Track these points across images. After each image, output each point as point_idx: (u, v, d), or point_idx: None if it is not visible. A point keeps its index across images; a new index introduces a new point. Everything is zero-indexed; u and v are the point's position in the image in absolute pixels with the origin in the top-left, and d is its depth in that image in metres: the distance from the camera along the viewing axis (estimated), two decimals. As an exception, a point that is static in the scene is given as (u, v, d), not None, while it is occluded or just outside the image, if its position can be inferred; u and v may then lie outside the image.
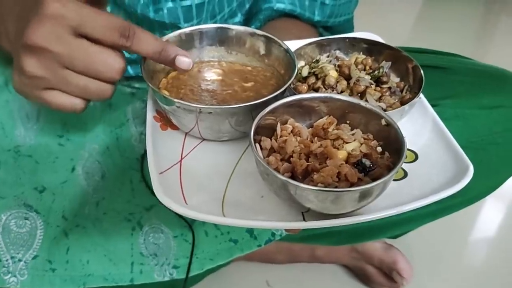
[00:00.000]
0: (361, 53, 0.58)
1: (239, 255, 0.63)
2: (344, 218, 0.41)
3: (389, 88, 0.54)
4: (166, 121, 0.52)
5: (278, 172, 0.41)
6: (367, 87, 0.53)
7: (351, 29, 0.84)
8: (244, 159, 0.50)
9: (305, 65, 0.57)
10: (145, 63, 0.49)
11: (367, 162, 0.43)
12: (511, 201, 1.13)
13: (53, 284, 0.56)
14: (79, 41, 0.42)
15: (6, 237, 0.56)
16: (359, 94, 0.53)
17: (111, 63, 0.43)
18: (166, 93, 0.50)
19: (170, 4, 0.65)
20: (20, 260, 0.56)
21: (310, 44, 0.58)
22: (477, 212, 1.09)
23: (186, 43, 0.54)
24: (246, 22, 0.76)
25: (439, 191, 0.43)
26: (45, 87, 0.44)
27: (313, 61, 0.57)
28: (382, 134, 0.46)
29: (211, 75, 0.54)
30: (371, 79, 0.53)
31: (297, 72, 0.52)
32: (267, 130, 0.46)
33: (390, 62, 0.56)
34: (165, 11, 0.65)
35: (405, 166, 0.49)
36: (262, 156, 0.45)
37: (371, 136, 0.46)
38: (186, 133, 0.52)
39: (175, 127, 0.52)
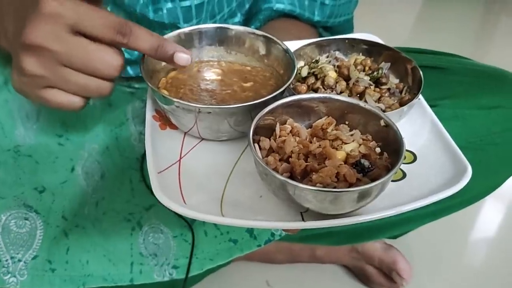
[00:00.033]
0: (361, 54, 0.58)
1: (238, 255, 0.63)
2: (342, 218, 0.42)
3: (388, 89, 0.54)
4: (165, 121, 0.52)
5: (277, 172, 0.41)
6: (366, 88, 0.53)
7: (351, 30, 0.84)
8: (243, 159, 0.50)
9: (305, 65, 0.57)
10: (144, 63, 0.49)
11: (365, 163, 0.43)
12: (511, 201, 1.13)
13: (52, 284, 0.56)
14: (77, 39, 0.42)
15: (6, 237, 0.56)
16: (358, 95, 0.53)
17: (109, 60, 0.43)
18: (165, 92, 0.50)
19: (169, 5, 0.65)
20: (20, 260, 0.56)
21: (309, 44, 0.58)
22: (477, 213, 1.09)
23: (186, 43, 0.54)
24: (245, 22, 0.76)
25: (437, 192, 0.43)
26: (44, 86, 0.44)
27: (313, 61, 0.57)
28: (381, 134, 0.46)
29: (211, 75, 0.54)
30: (370, 80, 0.54)
31: (297, 72, 0.52)
32: (266, 130, 0.46)
33: (389, 63, 0.56)
34: (165, 11, 0.65)
35: (404, 167, 0.49)
36: (261, 156, 0.45)
37: (370, 137, 0.46)
38: (185, 133, 0.52)
39: (174, 127, 0.52)
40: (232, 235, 0.63)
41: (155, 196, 0.42)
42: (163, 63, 0.53)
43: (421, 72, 0.53)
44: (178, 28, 0.55)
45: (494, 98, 0.67)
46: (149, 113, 0.52)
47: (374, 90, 0.53)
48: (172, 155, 0.49)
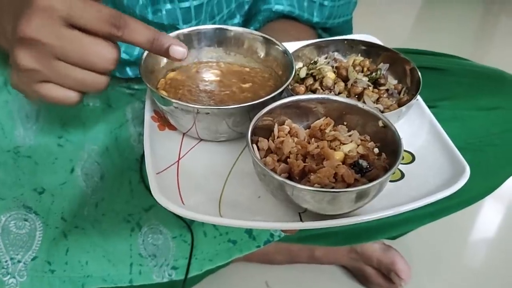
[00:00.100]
0: (359, 55, 0.58)
1: (238, 255, 0.64)
2: (340, 219, 0.42)
3: (387, 90, 0.54)
4: (164, 122, 0.52)
5: (275, 172, 0.41)
6: (364, 88, 0.53)
7: (350, 30, 0.84)
8: (241, 160, 0.50)
9: (303, 66, 0.57)
10: (143, 63, 0.49)
11: (364, 163, 0.43)
12: (510, 201, 1.13)
13: (52, 285, 0.56)
14: (71, 32, 0.42)
15: (5, 238, 0.56)
16: (356, 96, 0.53)
17: (104, 53, 0.43)
18: (164, 93, 0.50)
19: (168, 6, 0.65)
20: (19, 261, 0.56)
21: (308, 45, 0.58)
22: (476, 213, 1.09)
23: (185, 43, 0.54)
24: (245, 23, 0.76)
25: (436, 192, 0.44)
26: (40, 80, 0.43)
27: (311, 62, 0.57)
28: (379, 135, 0.46)
29: (209, 76, 0.54)
30: (368, 80, 0.54)
31: (295, 73, 0.52)
32: (265, 131, 0.47)
33: (388, 64, 0.56)
34: (164, 12, 0.65)
35: (402, 167, 0.49)
36: (259, 157, 0.45)
37: (368, 138, 0.47)
38: (183, 134, 0.52)
39: (173, 128, 0.52)
40: (231, 236, 0.63)
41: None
42: (162, 64, 0.53)
43: (419, 73, 0.53)
44: (177, 29, 0.55)
45: (493, 99, 0.67)
46: (148, 114, 0.52)
47: (372, 91, 0.53)
48: (171, 156, 0.49)
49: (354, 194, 0.39)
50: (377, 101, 0.53)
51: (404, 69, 0.55)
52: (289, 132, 0.47)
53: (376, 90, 0.54)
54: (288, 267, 0.93)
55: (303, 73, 0.56)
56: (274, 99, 0.47)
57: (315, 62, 0.57)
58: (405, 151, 0.49)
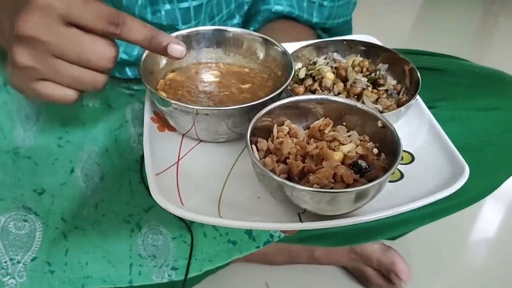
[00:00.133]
0: (358, 55, 0.58)
1: (238, 256, 0.64)
2: (340, 219, 0.42)
3: (386, 90, 0.54)
4: (163, 123, 0.52)
5: (274, 173, 0.41)
6: (364, 89, 0.53)
7: (349, 31, 0.84)
8: (240, 161, 0.50)
9: (302, 67, 0.57)
10: (142, 64, 0.49)
11: (363, 164, 0.43)
12: (510, 202, 1.13)
13: (52, 286, 0.56)
14: (68, 30, 0.41)
15: (5, 239, 0.56)
16: (355, 96, 0.53)
17: (102, 51, 0.43)
18: (163, 94, 0.50)
19: (167, 6, 0.65)
20: (19, 262, 0.56)
21: (307, 46, 0.58)
22: (476, 214, 1.09)
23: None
24: (244, 24, 0.76)
25: (435, 193, 0.44)
26: (38, 78, 0.43)
27: (310, 63, 0.57)
28: (378, 135, 0.46)
29: (209, 77, 0.54)
30: (368, 81, 0.54)
31: (294, 74, 0.52)
32: (264, 132, 0.47)
33: (387, 65, 0.56)
34: (163, 13, 0.65)
35: (401, 167, 0.49)
36: (258, 158, 0.45)
37: (367, 138, 0.47)
38: (183, 135, 0.52)
39: (172, 129, 0.52)
40: (231, 236, 0.63)
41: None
42: (161, 65, 0.53)
43: (418, 74, 0.53)
44: (177, 30, 0.56)
45: (492, 99, 0.67)
46: (147, 115, 0.52)
47: (371, 92, 0.53)
48: (170, 156, 0.49)
49: (353, 195, 0.39)
50: (376, 101, 0.53)
51: (403, 70, 0.55)
52: (288, 132, 0.47)
53: (375, 91, 0.54)
54: (288, 267, 0.93)
55: (302, 74, 0.56)
56: (273, 100, 0.47)
57: (315, 63, 0.57)
58: (404, 151, 0.49)
